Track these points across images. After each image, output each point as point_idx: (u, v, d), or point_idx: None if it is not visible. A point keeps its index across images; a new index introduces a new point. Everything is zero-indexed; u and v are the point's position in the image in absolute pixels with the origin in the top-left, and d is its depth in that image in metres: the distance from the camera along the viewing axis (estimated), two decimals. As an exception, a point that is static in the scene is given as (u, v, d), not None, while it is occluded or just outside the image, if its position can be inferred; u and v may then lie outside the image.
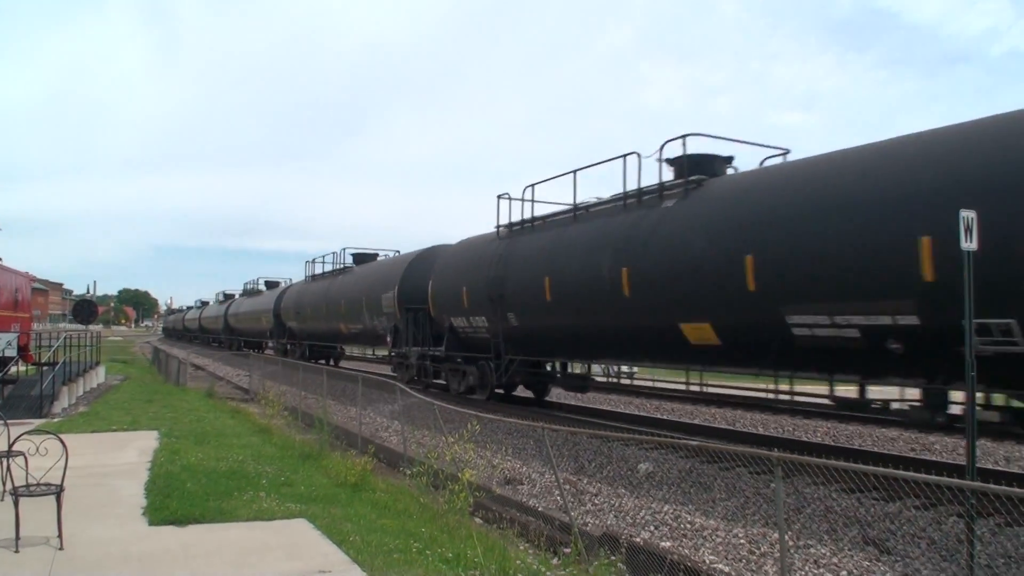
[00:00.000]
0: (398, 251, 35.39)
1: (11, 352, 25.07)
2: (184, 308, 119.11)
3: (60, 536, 8.87)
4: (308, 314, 41.54)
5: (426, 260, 27.82)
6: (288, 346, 46.88)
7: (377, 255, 37.83)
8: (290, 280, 53.85)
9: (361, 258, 38.19)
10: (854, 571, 8.81)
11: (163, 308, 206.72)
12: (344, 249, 39.64)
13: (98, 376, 34.40)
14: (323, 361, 42.24)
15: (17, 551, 8.57)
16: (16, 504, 8.76)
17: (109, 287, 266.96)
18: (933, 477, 7.07)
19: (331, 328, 37.71)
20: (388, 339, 29.03)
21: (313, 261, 43.12)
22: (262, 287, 61.63)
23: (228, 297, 77.05)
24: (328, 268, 41.50)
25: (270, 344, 52.52)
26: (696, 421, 20.40)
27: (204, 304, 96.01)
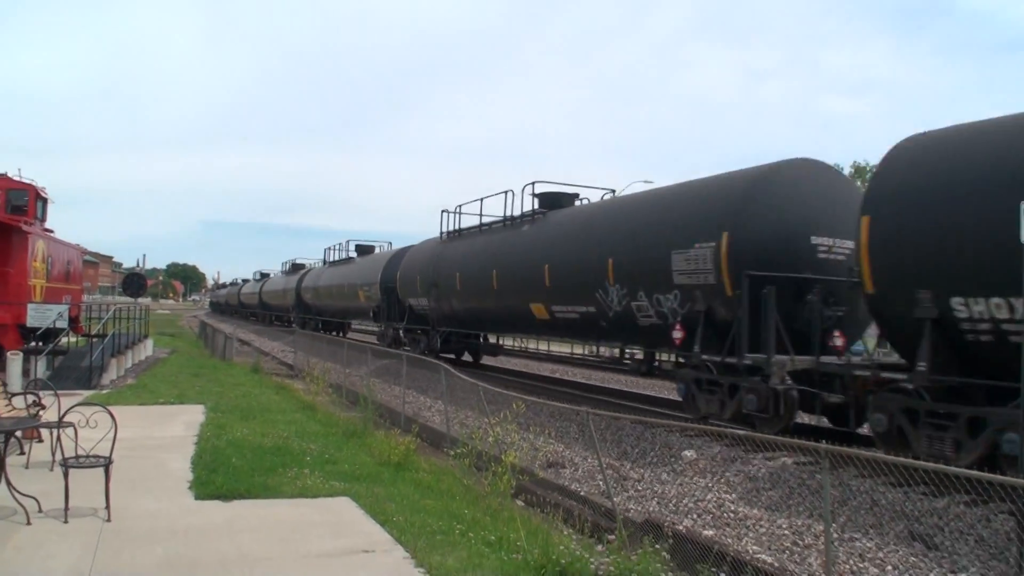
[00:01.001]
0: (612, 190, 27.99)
1: (62, 323, 25.40)
2: (230, 283, 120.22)
3: (108, 508, 8.98)
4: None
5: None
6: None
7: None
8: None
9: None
10: (900, 566, 8.70)
11: (210, 282, 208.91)
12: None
13: (146, 349, 34.85)
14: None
15: (66, 522, 8.69)
16: (66, 475, 8.88)
17: (158, 261, 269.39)
18: (984, 474, 6.96)
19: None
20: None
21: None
22: (289, 268, 67.20)
23: (264, 276, 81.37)
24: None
25: (359, 326, 53.35)
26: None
27: (246, 281, 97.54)
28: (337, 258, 50.15)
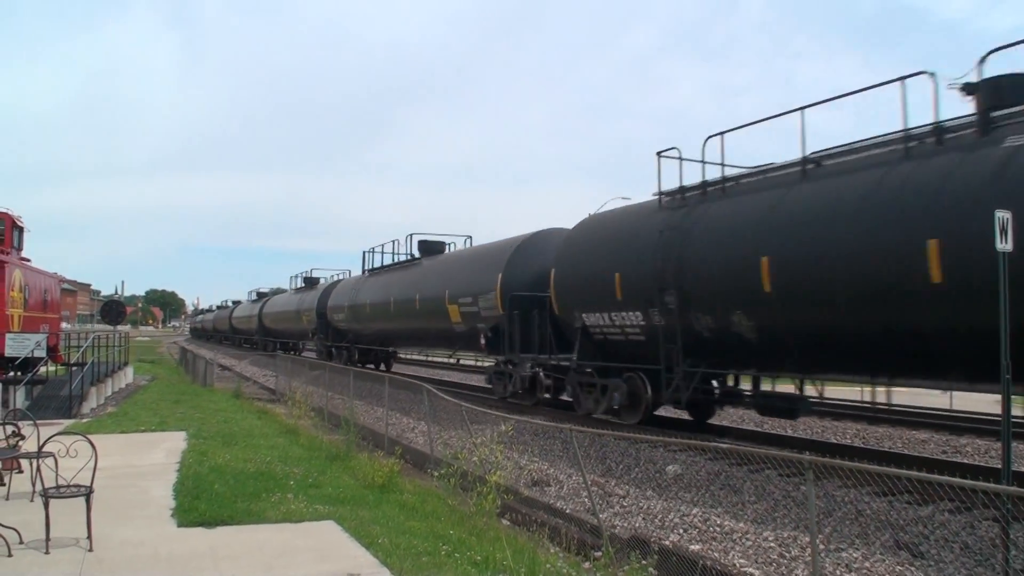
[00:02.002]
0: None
1: (40, 352, 25.20)
2: (210, 308, 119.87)
3: (90, 537, 8.89)
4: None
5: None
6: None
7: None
8: (334, 277, 52.99)
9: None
10: (886, 575, 8.71)
11: (190, 308, 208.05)
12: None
13: (126, 376, 34.63)
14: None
15: (47, 552, 8.59)
16: (46, 505, 8.79)
17: (137, 287, 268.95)
18: (968, 481, 6.97)
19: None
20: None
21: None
22: (256, 296, 70.52)
23: (236, 303, 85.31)
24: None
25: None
26: (723, 423, 20.28)
27: (221, 307, 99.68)
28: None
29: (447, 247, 32.86)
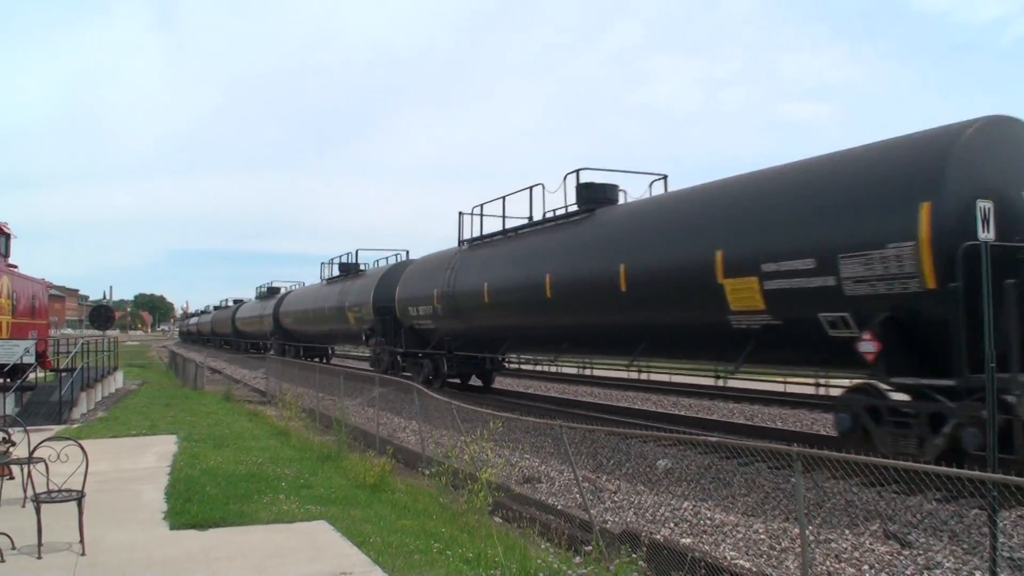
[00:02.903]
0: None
1: (29, 359, 25.12)
2: (199, 312, 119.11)
3: (82, 542, 8.90)
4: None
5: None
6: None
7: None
8: (302, 283, 55.54)
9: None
10: (876, 565, 8.77)
11: (179, 312, 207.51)
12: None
13: (116, 381, 34.57)
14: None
15: (40, 557, 8.61)
16: (38, 511, 8.79)
17: (125, 292, 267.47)
18: (954, 470, 7.02)
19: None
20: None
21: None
22: (265, 292, 66.17)
23: (237, 302, 79.93)
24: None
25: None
26: (714, 417, 20.37)
27: (216, 308, 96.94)
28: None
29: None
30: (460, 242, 26.76)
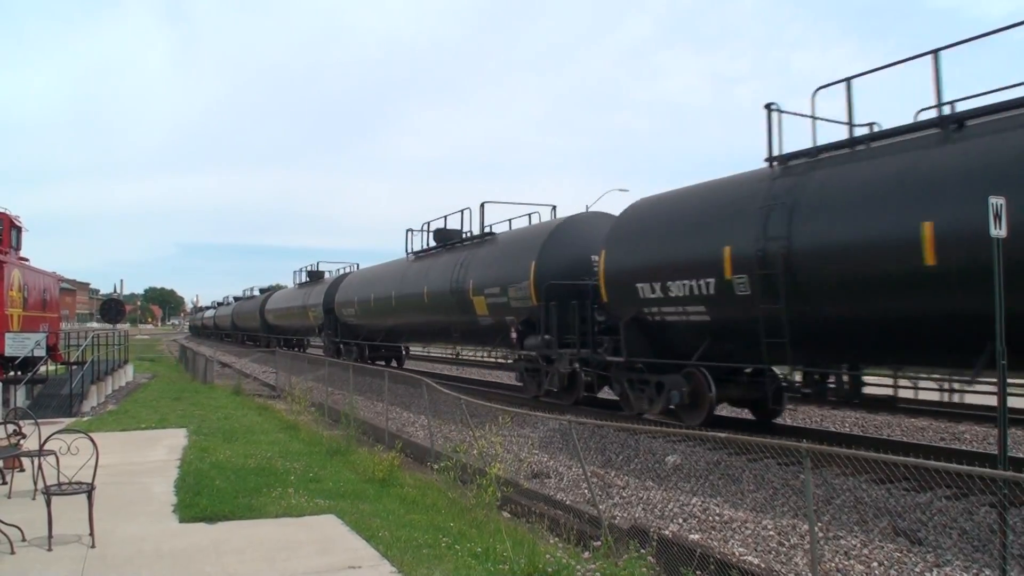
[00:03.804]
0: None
1: (40, 352, 25.26)
2: (208, 306, 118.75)
3: (92, 534, 8.94)
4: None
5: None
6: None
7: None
8: (356, 265, 46.28)
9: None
10: (885, 562, 8.75)
11: (189, 306, 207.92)
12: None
13: (126, 375, 34.69)
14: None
15: (50, 549, 8.64)
16: (48, 503, 8.84)
17: (135, 286, 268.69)
18: (965, 467, 7.00)
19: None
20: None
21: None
22: (258, 292, 66.61)
23: (238, 299, 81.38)
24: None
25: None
26: (723, 412, 20.32)
27: (221, 304, 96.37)
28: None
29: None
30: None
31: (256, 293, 72.90)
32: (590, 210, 23.24)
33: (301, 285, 52.37)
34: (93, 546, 8.78)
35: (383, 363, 35.86)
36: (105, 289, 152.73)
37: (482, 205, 26.56)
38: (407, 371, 30.32)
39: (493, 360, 37.36)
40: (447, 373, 35.07)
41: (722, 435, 10.47)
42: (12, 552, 8.50)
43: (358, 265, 44.71)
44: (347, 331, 39.30)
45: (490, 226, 26.42)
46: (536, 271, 20.66)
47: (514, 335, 21.76)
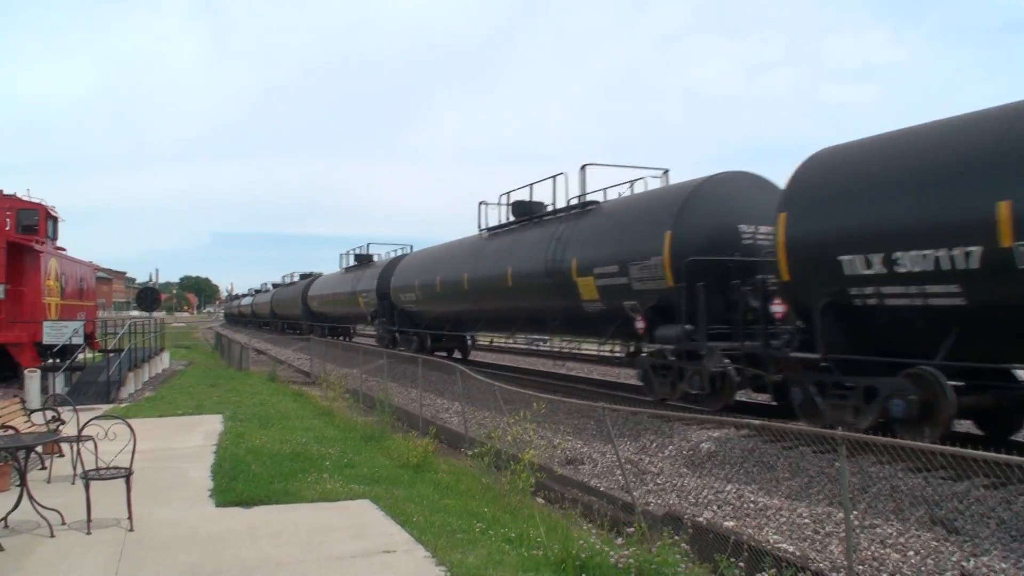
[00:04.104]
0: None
1: (78, 340, 25.56)
2: (244, 294, 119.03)
3: (130, 518, 9.04)
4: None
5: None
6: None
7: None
8: (410, 247, 44.58)
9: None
10: (921, 551, 8.68)
11: (224, 294, 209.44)
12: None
13: (163, 362, 35.01)
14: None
15: (89, 533, 8.75)
16: (87, 487, 8.95)
17: (171, 275, 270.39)
18: (1003, 456, 6.91)
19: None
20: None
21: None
22: (299, 278, 61.20)
23: (276, 286, 78.59)
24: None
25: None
26: (758, 400, 20.20)
27: (257, 292, 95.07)
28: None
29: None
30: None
31: (296, 279, 68.75)
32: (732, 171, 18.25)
33: (348, 269, 48.35)
34: (131, 530, 8.87)
35: (445, 355, 32.93)
36: (141, 278, 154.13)
37: (583, 168, 22.31)
38: (487, 367, 28.43)
39: (593, 353, 26.22)
40: (537, 368, 31.54)
41: (756, 422, 10.42)
42: (52, 535, 8.62)
43: (411, 247, 42.62)
44: (405, 319, 35.45)
45: (594, 192, 22.62)
46: (672, 244, 16.81)
47: (641, 324, 17.93)
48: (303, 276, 67.21)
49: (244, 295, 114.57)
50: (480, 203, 28.60)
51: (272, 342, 59.67)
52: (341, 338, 51.22)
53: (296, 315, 61.65)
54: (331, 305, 49.71)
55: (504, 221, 27.08)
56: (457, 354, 34.28)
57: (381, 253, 45.89)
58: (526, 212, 25.82)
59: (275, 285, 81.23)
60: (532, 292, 23.06)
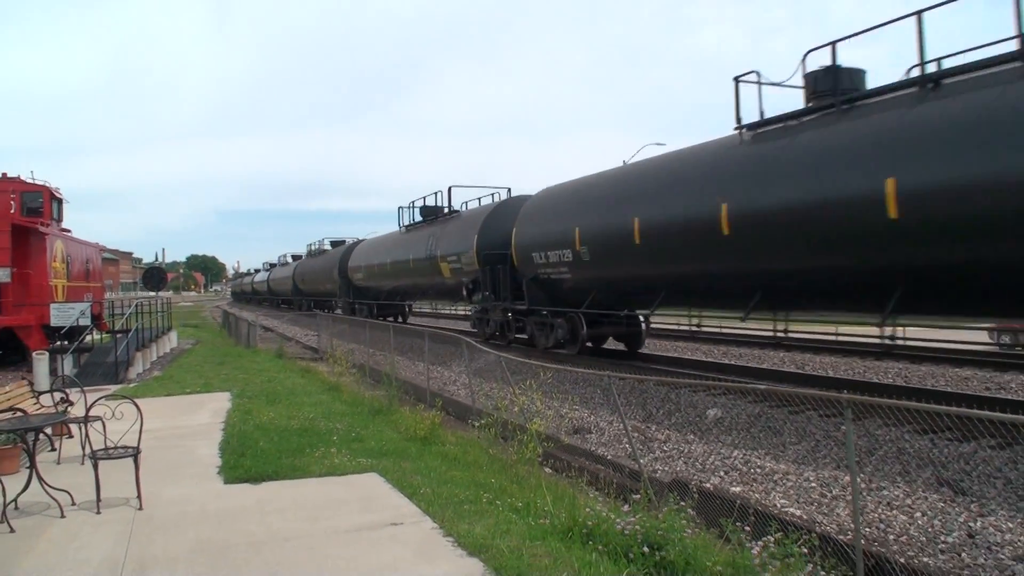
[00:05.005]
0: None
1: (85, 321, 25.60)
2: (253, 270, 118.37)
3: (139, 496, 9.09)
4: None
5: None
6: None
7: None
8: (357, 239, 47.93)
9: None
10: (928, 512, 8.69)
11: (231, 272, 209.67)
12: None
13: (170, 341, 35.07)
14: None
15: (99, 512, 8.80)
16: (95, 467, 9.00)
17: (177, 254, 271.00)
18: (1009, 416, 6.89)
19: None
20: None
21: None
22: (327, 247, 53.83)
23: (296, 257, 73.10)
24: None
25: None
26: (764, 365, 20.23)
27: (272, 266, 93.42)
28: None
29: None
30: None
31: (327, 247, 56.56)
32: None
33: (410, 227, 36.22)
34: (140, 508, 8.93)
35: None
36: (148, 258, 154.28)
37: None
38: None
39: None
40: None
41: (762, 387, 10.44)
42: (63, 516, 8.67)
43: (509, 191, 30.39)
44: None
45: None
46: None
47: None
48: (334, 244, 56.43)
49: (257, 271, 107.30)
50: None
51: (279, 319, 59.40)
52: (393, 319, 42.63)
53: (329, 291, 52.80)
54: (389, 277, 39.08)
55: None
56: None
57: (468, 200, 33.26)
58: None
59: (295, 256, 72.04)
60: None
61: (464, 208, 32.19)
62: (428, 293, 36.96)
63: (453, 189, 33.26)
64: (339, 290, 45.42)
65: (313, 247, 60.57)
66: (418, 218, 35.57)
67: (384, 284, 40.41)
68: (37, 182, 28.93)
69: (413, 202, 36.22)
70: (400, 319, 43.54)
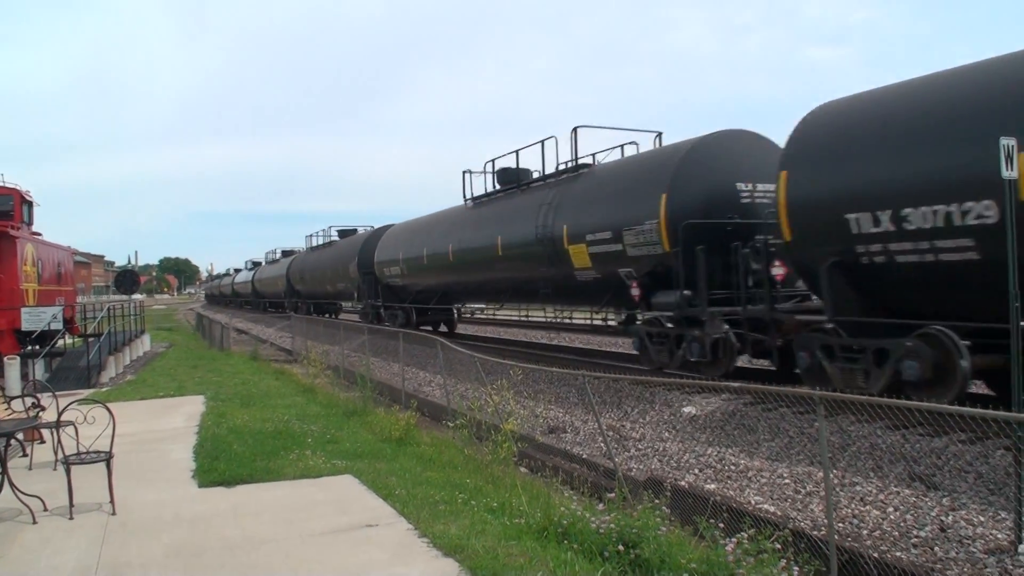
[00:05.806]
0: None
1: (57, 325, 25.36)
2: (223, 274, 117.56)
3: (112, 502, 9.02)
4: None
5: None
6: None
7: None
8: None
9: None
10: (901, 507, 8.76)
11: (204, 275, 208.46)
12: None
13: (144, 344, 34.87)
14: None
15: (71, 518, 8.73)
16: (68, 473, 8.92)
17: (150, 256, 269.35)
18: (979, 410, 6.97)
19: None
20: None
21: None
22: (335, 237, 49.09)
23: (256, 264, 78.80)
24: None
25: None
26: (741, 364, 20.29)
27: (238, 271, 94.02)
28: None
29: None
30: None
31: (335, 237, 48.80)
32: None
33: (488, 197, 27.39)
34: (114, 513, 8.86)
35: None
36: (120, 261, 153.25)
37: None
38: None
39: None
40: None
41: (735, 385, 10.48)
42: (34, 522, 8.59)
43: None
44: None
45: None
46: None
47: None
48: (284, 253, 64.68)
49: (238, 271, 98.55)
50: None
51: (254, 321, 59.14)
52: (327, 316, 49.58)
53: (279, 293, 56.96)
54: (315, 283, 48.15)
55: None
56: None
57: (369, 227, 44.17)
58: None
59: (286, 252, 65.73)
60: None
61: (593, 161, 21.67)
62: (539, 293, 23.20)
63: (578, 130, 21.50)
64: (359, 291, 37.35)
65: (315, 238, 52.40)
66: (494, 186, 26.69)
67: (439, 281, 30.06)
68: (7, 185, 28.64)
69: (494, 160, 26.55)
70: (447, 328, 34.40)
